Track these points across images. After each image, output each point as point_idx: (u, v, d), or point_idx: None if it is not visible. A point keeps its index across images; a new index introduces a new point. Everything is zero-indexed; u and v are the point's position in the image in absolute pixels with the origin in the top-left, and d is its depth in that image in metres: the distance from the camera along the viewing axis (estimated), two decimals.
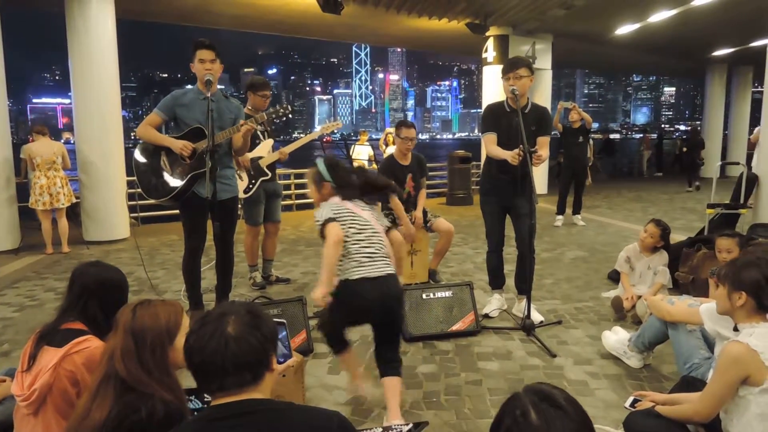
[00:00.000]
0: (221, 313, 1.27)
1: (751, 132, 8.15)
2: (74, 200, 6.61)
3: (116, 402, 1.37)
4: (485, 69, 11.43)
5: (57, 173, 6.29)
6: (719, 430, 1.96)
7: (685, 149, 12.83)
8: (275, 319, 1.73)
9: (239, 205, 4.70)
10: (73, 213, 7.11)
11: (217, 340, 1.21)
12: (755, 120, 7.00)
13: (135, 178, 3.63)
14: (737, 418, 1.86)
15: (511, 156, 3.47)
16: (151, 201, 3.87)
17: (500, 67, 3.81)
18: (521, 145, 3.39)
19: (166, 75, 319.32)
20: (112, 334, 1.51)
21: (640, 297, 3.76)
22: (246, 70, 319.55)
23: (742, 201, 5.59)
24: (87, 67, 6.94)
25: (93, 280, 1.93)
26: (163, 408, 1.37)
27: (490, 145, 3.76)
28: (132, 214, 8.24)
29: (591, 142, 12.33)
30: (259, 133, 4.53)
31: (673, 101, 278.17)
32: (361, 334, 3.63)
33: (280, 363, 1.69)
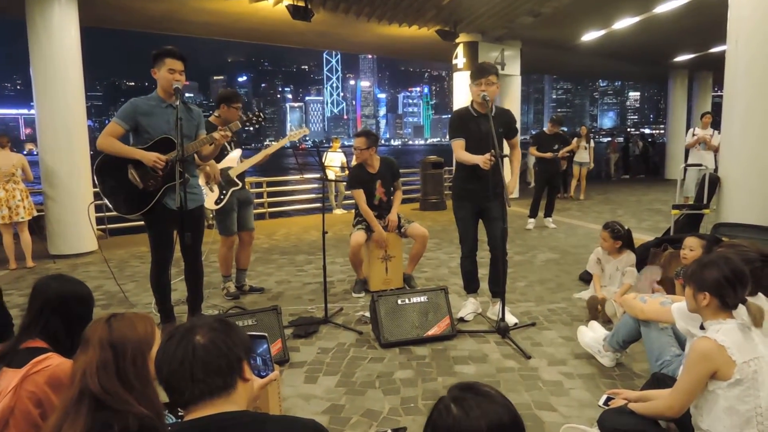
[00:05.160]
0: (190, 326, 1.26)
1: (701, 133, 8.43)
2: (35, 213, 6.38)
3: (88, 421, 1.33)
4: (455, 75, 11.58)
5: (16, 186, 6.08)
6: (689, 424, 2.01)
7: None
8: (257, 333, 1.72)
9: (211, 216, 4.64)
10: (38, 226, 6.89)
11: (184, 349, 1.20)
12: (716, 124, 7.24)
13: (100, 192, 3.44)
14: (707, 413, 1.91)
15: (482, 161, 3.51)
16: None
17: (470, 72, 3.85)
18: (492, 150, 3.44)
19: (133, 83, 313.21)
20: (82, 351, 1.44)
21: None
22: (216, 77, 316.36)
23: (705, 201, 5.76)
24: (50, 75, 6.74)
25: (55, 294, 1.84)
26: (136, 423, 1.33)
27: (459, 151, 3.79)
28: (99, 226, 8.03)
29: (592, 144, 12.15)
30: (226, 143, 4.46)
31: (638, 105, 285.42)
32: (337, 342, 3.61)
33: (261, 377, 1.66)
